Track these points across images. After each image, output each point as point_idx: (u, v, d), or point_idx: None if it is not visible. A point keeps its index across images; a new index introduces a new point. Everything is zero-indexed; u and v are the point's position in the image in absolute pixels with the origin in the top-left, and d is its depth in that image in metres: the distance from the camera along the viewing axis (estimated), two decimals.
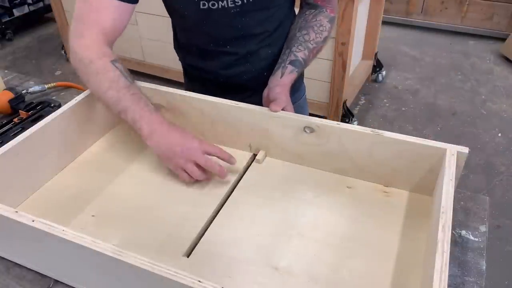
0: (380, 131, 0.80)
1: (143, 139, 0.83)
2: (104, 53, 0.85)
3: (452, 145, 0.76)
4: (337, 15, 0.98)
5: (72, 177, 0.91)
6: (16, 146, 0.81)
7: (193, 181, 0.86)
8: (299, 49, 0.96)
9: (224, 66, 1.01)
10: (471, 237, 0.78)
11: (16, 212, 0.65)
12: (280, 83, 0.93)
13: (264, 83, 0.97)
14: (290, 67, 0.94)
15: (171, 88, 0.96)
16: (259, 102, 0.92)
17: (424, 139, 0.78)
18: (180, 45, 1.08)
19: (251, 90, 1.03)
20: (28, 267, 0.74)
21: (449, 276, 0.64)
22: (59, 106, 1.13)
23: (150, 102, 0.86)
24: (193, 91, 0.95)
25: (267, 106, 0.89)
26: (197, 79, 1.10)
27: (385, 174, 0.84)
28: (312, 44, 0.97)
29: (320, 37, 0.98)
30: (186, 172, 0.84)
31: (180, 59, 1.12)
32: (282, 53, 0.98)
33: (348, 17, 2.05)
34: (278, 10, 0.97)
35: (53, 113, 0.89)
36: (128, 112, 0.82)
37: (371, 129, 0.81)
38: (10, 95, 1.14)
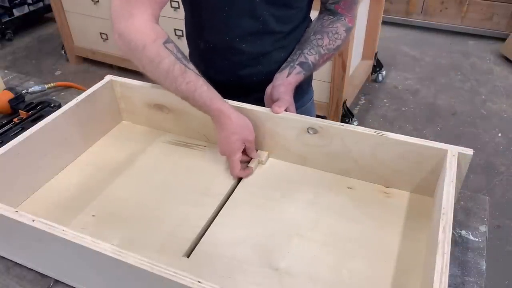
0: (384, 132, 0.80)
1: (218, 119, 0.84)
2: (157, 34, 0.80)
3: (454, 146, 0.76)
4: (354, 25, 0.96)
5: (72, 177, 0.91)
6: (16, 146, 0.81)
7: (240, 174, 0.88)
8: (311, 52, 0.95)
9: (235, 66, 1.00)
10: (471, 237, 0.78)
11: (17, 212, 0.65)
12: (285, 82, 0.91)
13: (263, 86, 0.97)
14: (298, 68, 0.93)
15: None
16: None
17: (426, 140, 0.78)
18: (192, 42, 1.06)
19: (257, 93, 1.02)
20: (28, 266, 0.74)
21: (449, 276, 0.64)
22: (59, 106, 1.13)
23: (207, 85, 0.83)
24: None
25: (269, 103, 0.88)
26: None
27: (386, 174, 0.84)
28: (324, 50, 0.96)
29: (333, 45, 0.96)
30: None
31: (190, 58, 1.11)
32: (292, 53, 0.97)
33: None
34: (298, 12, 0.97)
35: (53, 113, 0.89)
36: (188, 101, 0.83)
37: (374, 130, 0.81)
38: (10, 95, 1.14)
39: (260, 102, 0.92)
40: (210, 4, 0.92)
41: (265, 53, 0.98)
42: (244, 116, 0.86)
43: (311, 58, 0.94)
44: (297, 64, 0.94)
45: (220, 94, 0.86)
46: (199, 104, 0.83)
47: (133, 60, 0.82)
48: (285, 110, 0.87)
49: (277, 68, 0.99)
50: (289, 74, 0.93)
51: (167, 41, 0.81)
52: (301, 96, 1.08)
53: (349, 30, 0.99)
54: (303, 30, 1.01)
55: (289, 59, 0.97)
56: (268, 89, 0.94)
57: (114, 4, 0.80)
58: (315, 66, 0.96)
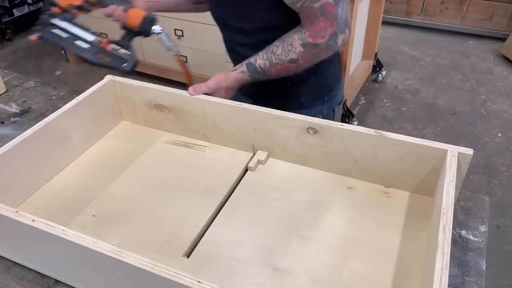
0: (384, 132, 0.80)
1: None
2: None
3: (454, 146, 0.76)
4: (324, 42, 0.89)
5: (72, 177, 0.91)
6: (17, 145, 0.81)
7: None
8: (263, 57, 0.93)
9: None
10: (471, 237, 0.78)
11: (17, 211, 0.65)
12: (225, 72, 0.96)
13: (270, 94, 0.99)
14: (243, 67, 0.95)
15: (175, 89, 0.96)
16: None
17: (426, 140, 0.78)
18: None
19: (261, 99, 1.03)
20: (28, 266, 0.74)
21: (449, 276, 0.64)
22: None
23: None
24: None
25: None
26: None
27: (386, 175, 0.84)
28: (275, 59, 0.92)
29: (286, 57, 0.91)
30: None
31: None
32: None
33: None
34: (257, 12, 0.95)
35: (54, 113, 0.89)
36: None
37: (374, 130, 0.81)
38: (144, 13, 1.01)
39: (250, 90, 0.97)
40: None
41: (233, 47, 1.05)
42: None
43: (260, 62, 0.93)
44: (245, 63, 0.95)
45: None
46: None
47: None
48: (209, 95, 0.93)
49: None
50: (234, 69, 0.96)
51: None
52: (298, 107, 1.00)
53: (307, 46, 0.89)
54: (271, 32, 0.96)
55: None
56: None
57: None
58: (265, 72, 0.93)
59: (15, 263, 0.75)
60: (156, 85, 0.98)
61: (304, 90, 1.05)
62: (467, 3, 3.24)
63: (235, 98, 0.95)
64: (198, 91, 0.94)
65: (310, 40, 0.89)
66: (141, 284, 0.61)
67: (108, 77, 1.00)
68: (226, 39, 1.08)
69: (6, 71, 1.38)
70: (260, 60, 0.93)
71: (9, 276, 0.73)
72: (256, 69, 0.94)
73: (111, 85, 1.00)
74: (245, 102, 0.91)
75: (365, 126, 0.84)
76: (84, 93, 0.95)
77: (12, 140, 0.81)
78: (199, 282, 0.55)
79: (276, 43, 0.92)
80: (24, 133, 0.83)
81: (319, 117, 1.07)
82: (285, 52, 0.91)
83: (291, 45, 0.90)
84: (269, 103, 0.91)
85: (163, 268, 0.56)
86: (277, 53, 0.92)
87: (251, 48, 0.96)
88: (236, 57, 1.06)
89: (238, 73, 0.95)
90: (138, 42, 2.78)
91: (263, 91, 1.02)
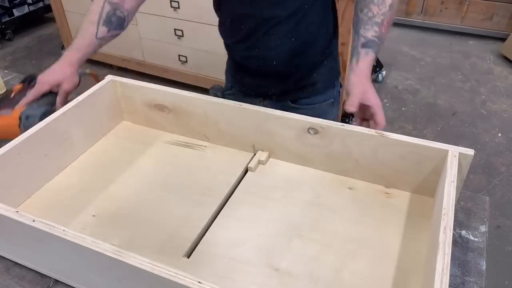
0: (385, 133, 0.80)
1: None
2: None
3: (455, 146, 0.76)
4: None
5: (73, 177, 0.91)
6: (17, 146, 0.81)
7: None
8: (366, 28, 0.89)
9: (240, 45, 1.01)
10: (471, 237, 0.78)
11: (17, 212, 0.65)
12: (355, 71, 0.86)
13: (275, 75, 0.96)
14: (363, 51, 0.87)
15: (175, 89, 0.96)
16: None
17: (427, 141, 0.78)
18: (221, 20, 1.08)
19: (261, 78, 1.01)
20: (29, 266, 0.74)
21: (450, 276, 0.63)
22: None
23: (83, 37, 0.98)
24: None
25: (361, 111, 0.83)
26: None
27: (387, 175, 0.84)
28: (378, 18, 0.89)
29: (385, 7, 0.90)
30: None
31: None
32: (352, 40, 0.93)
33: (348, 17, 2.04)
34: None
35: (54, 113, 0.89)
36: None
37: (375, 130, 0.81)
38: None
39: (261, 88, 0.92)
40: None
41: (257, 39, 0.97)
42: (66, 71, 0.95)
43: (370, 33, 0.88)
44: (361, 48, 0.88)
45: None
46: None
47: None
48: (364, 104, 0.82)
49: (274, 55, 0.98)
50: (357, 61, 0.87)
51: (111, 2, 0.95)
52: (313, 94, 1.06)
53: None
54: (307, 18, 0.97)
55: (353, 49, 0.92)
56: (354, 94, 0.86)
57: None
58: (380, 37, 0.89)
59: (15, 263, 0.75)
60: (156, 85, 0.98)
61: (318, 76, 1.05)
62: (467, 3, 3.24)
63: (241, 101, 0.93)
64: (355, 105, 0.82)
65: None
66: (141, 284, 0.61)
67: (109, 77, 1.00)
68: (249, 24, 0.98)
69: (6, 71, 1.38)
70: (368, 32, 0.88)
71: (9, 276, 0.73)
72: (374, 42, 0.88)
73: (111, 85, 1.00)
74: (254, 103, 0.90)
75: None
76: (85, 93, 0.95)
77: (13, 140, 0.81)
78: (199, 282, 0.55)
79: (364, 10, 0.90)
80: (25, 132, 0.83)
81: (331, 101, 1.06)
82: (381, 6, 0.90)
83: None
84: (284, 98, 0.90)
85: (163, 268, 0.56)
86: (375, 13, 0.89)
87: (284, 24, 0.95)
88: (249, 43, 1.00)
89: (364, 59, 0.86)
90: (137, 42, 2.78)
91: (278, 87, 1.02)
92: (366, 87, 0.84)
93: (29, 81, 1.12)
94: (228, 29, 1.03)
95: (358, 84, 0.83)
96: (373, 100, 0.83)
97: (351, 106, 0.81)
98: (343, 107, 0.83)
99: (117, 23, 0.97)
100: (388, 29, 0.91)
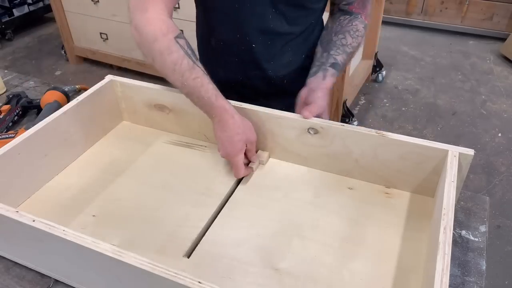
0: (385, 133, 0.80)
1: (218, 117, 0.83)
2: (168, 28, 0.81)
3: (455, 146, 0.76)
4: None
5: (73, 177, 0.91)
6: (17, 145, 0.81)
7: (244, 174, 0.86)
8: (338, 52, 0.94)
9: (244, 65, 1.00)
10: (471, 237, 0.78)
11: (17, 212, 0.65)
12: (321, 86, 0.90)
13: (278, 92, 0.96)
14: (331, 70, 0.92)
15: (174, 89, 0.95)
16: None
17: (427, 141, 0.78)
18: (203, 41, 1.07)
19: (264, 99, 1.02)
20: (29, 266, 0.74)
21: (450, 276, 0.63)
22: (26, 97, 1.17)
23: (213, 84, 0.83)
24: None
25: (301, 107, 0.86)
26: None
27: (387, 175, 0.84)
28: (349, 49, 0.96)
29: (356, 42, 0.97)
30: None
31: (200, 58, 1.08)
32: (318, 57, 0.97)
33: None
34: (310, 14, 0.97)
35: (54, 113, 0.89)
36: (192, 97, 0.83)
37: (375, 130, 0.81)
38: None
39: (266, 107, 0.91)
40: (222, 2, 0.93)
41: (274, 55, 0.98)
42: (245, 118, 0.86)
43: (339, 58, 0.94)
44: (329, 66, 0.92)
45: (228, 95, 0.86)
46: (204, 101, 0.82)
47: (144, 53, 0.83)
48: (318, 116, 0.85)
49: (284, 73, 0.99)
50: (324, 77, 0.91)
51: (179, 36, 0.82)
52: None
53: (366, 27, 1.00)
54: (313, 34, 1.01)
55: (316, 63, 0.96)
56: (303, 93, 0.91)
57: None
58: (344, 65, 0.96)
59: (15, 263, 0.75)
60: (156, 85, 0.98)
61: None
62: (467, 3, 3.24)
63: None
64: (314, 112, 0.85)
65: (366, 21, 1.00)
66: (141, 284, 0.61)
67: (109, 77, 1.00)
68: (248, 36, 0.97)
69: (6, 71, 1.38)
70: (338, 56, 0.94)
71: (9, 276, 0.73)
72: (340, 67, 0.93)
73: (111, 85, 1.00)
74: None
75: (365, 126, 0.84)
76: (85, 93, 0.95)
77: (13, 140, 0.81)
78: (199, 282, 0.55)
79: (339, 35, 0.96)
80: (25, 133, 0.83)
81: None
82: (354, 39, 0.96)
83: (357, 30, 0.97)
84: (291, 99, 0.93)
85: (163, 268, 0.56)
86: (348, 43, 0.95)
87: (295, 54, 0.99)
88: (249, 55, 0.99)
89: (330, 78, 0.91)
90: None
91: (283, 89, 1.03)
92: (326, 104, 0.89)
93: (17, 101, 1.13)
94: (230, 47, 1.00)
95: (323, 98, 0.88)
96: (326, 116, 0.88)
97: (311, 115, 0.84)
98: (299, 109, 0.87)
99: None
100: (349, 62, 0.99)
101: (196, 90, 0.81)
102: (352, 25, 0.97)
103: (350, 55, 0.97)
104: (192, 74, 0.81)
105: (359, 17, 0.99)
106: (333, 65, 0.93)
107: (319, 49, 0.98)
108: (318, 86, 0.90)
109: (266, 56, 0.99)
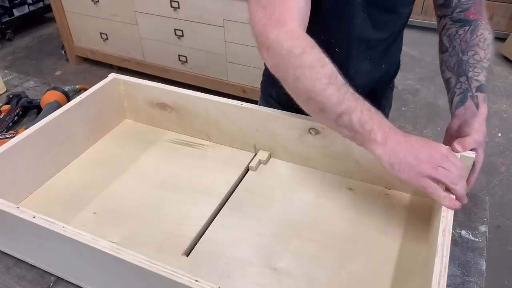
0: None
1: (371, 145, 0.67)
2: (313, 42, 0.71)
3: None
4: None
5: (75, 174, 0.91)
6: (19, 142, 0.81)
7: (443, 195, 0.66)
8: (477, 72, 0.82)
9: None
10: (471, 237, 0.78)
11: (18, 208, 0.65)
12: (477, 116, 0.77)
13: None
14: (481, 95, 0.79)
15: (178, 88, 0.96)
16: None
17: None
18: None
19: None
20: (29, 262, 0.74)
21: (449, 276, 0.64)
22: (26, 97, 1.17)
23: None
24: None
25: (453, 139, 0.75)
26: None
27: (387, 176, 0.83)
28: (485, 63, 0.83)
29: (490, 53, 0.85)
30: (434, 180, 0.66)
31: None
32: (454, 83, 0.85)
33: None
34: (399, 18, 0.90)
35: (56, 110, 0.89)
36: (354, 114, 0.66)
37: None
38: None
39: None
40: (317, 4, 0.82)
41: (353, 62, 0.91)
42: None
43: (481, 77, 0.81)
44: (476, 91, 0.80)
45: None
46: (361, 120, 0.66)
47: (285, 70, 0.71)
48: (461, 147, 0.73)
49: (360, 83, 0.90)
50: (476, 105, 0.79)
51: (324, 52, 0.71)
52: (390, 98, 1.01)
53: (492, 33, 0.87)
54: (395, 44, 0.95)
55: (457, 90, 0.83)
56: (454, 124, 0.81)
57: (257, 17, 0.72)
58: (487, 83, 0.83)
59: (15, 263, 0.75)
60: (159, 83, 0.98)
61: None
62: None
63: None
64: (467, 147, 0.73)
65: (487, 25, 0.88)
66: (139, 282, 0.61)
67: (112, 75, 1.00)
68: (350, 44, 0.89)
69: (6, 71, 1.38)
70: (480, 76, 0.82)
71: (9, 276, 0.73)
72: (485, 87, 0.81)
73: (114, 83, 1.00)
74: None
75: None
76: (88, 91, 0.95)
77: (15, 137, 0.82)
78: (196, 281, 0.55)
79: (469, 53, 0.84)
80: (27, 130, 0.83)
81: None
82: (487, 50, 0.85)
83: (485, 39, 0.86)
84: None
85: (161, 266, 0.56)
86: (482, 57, 0.84)
87: (372, 63, 0.92)
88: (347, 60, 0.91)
89: (483, 104, 0.79)
90: (137, 42, 2.79)
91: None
92: (484, 139, 0.75)
93: (17, 101, 1.14)
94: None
95: (479, 131, 0.75)
96: (480, 159, 0.74)
97: (463, 149, 0.73)
98: (449, 143, 0.75)
99: None
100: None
101: (359, 104, 0.68)
102: (477, 36, 0.86)
103: (488, 69, 0.84)
104: (349, 88, 0.68)
105: (480, 23, 0.86)
106: (480, 88, 0.80)
107: (449, 75, 0.87)
108: (473, 117, 0.77)
109: (347, 63, 0.90)
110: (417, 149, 0.65)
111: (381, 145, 0.66)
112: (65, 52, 3.24)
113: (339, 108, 0.67)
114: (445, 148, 0.67)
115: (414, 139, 0.67)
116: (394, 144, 0.65)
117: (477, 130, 0.75)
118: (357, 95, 0.68)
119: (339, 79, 0.68)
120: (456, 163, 0.66)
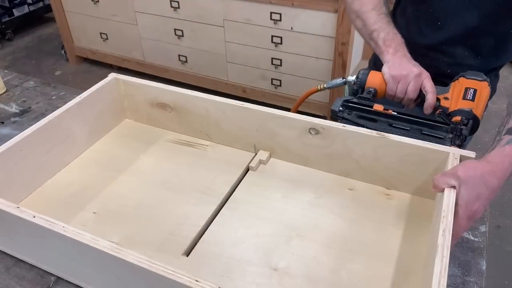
0: (386, 134, 0.80)
1: (384, 56, 0.90)
2: None
3: (456, 148, 0.77)
4: None
5: (75, 174, 0.91)
6: (19, 142, 0.81)
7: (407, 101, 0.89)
8: None
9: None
10: (471, 237, 0.78)
11: (18, 207, 0.65)
12: (487, 159, 0.67)
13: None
14: (507, 137, 0.69)
15: (177, 88, 0.96)
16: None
17: (428, 143, 0.78)
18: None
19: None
20: (29, 262, 0.74)
21: (450, 276, 0.64)
22: None
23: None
24: None
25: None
26: None
27: (388, 176, 0.84)
28: None
29: None
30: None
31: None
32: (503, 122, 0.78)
33: (348, 17, 2.05)
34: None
35: (57, 110, 0.89)
36: (382, 32, 0.91)
37: (376, 131, 0.81)
38: None
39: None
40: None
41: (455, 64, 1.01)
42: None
43: None
44: (505, 133, 0.71)
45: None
46: (385, 38, 0.91)
47: None
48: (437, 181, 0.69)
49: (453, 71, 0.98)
50: (493, 148, 0.70)
51: None
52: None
53: None
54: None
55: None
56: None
57: None
58: None
59: (15, 262, 0.75)
60: (159, 83, 0.98)
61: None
62: None
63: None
64: (442, 183, 0.68)
65: None
66: (139, 282, 0.61)
67: (112, 75, 1.00)
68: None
69: (6, 71, 1.38)
70: None
71: (9, 276, 0.73)
72: None
73: (114, 83, 1.00)
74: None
75: None
76: (88, 90, 0.95)
77: (15, 137, 0.82)
78: (196, 281, 0.55)
79: None
80: (27, 129, 0.83)
81: None
82: None
83: None
84: None
85: (161, 266, 0.56)
86: None
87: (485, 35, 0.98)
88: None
89: (502, 147, 0.67)
90: (137, 42, 2.79)
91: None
92: (474, 179, 0.66)
93: None
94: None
95: (467, 168, 0.67)
96: (461, 199, 0.66)
97: (438, 183, 0.69)
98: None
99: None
100: None
101: (389, 27, 0.92)
102: None
103: None
104: (387, 17, 0.94)
105: None
106: (510, 130, 0.71)
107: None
108: (486, 159, 0.68)
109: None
110: (409, 67, 0.87)
111: (390, 55, 0.90)
112: (65, 52, 3.24)
113: (373, 26, 0.93)
114: (425, 73, 0.88)
115: (413, 62, 0.88)
116: (398, 59, 0.89)
117: (462, 166, 0.68)
118: (391, 22, 0.93)
119: (383, 8, 0.94)
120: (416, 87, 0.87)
